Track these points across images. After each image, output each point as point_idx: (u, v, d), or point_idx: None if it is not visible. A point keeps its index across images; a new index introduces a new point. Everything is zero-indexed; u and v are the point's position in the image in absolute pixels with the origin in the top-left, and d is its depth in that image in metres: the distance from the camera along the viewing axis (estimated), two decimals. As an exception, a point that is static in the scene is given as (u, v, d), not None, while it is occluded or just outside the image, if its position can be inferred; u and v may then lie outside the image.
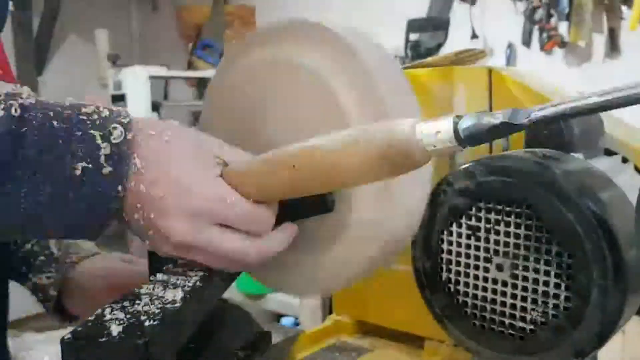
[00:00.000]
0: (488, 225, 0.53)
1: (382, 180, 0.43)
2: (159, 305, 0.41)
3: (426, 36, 2.59)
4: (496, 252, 0.53)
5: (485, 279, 0.54)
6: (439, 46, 2.56)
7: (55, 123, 0.40)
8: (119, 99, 2.91)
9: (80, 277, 0.68)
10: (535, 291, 0.51)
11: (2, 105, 0.39)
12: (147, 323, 0.39)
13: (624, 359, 0.79)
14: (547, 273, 0.50)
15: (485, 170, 0.52)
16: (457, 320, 0.56)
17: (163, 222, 0.43)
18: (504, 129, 0.38)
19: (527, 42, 2.44)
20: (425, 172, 0.50)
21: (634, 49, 2.22)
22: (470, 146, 0.39)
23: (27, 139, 0.39)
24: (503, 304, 0.53)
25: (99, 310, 0.41)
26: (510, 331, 0.52)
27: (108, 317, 0.40)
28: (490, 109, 0.67)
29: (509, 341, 0.52)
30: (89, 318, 0.40)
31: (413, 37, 2.60)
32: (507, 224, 0.52)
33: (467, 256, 0.54)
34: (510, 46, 2.50)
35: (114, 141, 0.41)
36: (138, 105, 2.88)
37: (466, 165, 0.54)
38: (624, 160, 0.65)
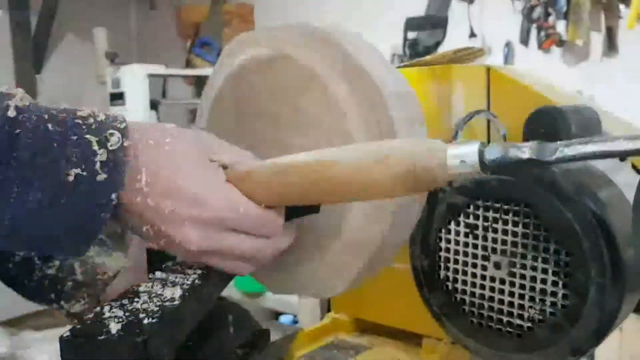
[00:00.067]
0: (486, 223, 0.53)
1: (396, 197, 0.44)
2: (158, 303, 0.41)
3: (424, 34, 2.59)
4: (494, 250, 0.53)
5: (483, 277, 0.54)
6: (437, 44, 2.57)
7: (50, 126, 0.39)
8: (117, 97, 2.90)
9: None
10: (533, 289, 0.51)
11: None
12: (145, 321, 0.39)
13: (621, 357, 0.80)
14: (545, 271, 0.50)
15: (483, 169, 0.52)
16: (454, 318, 0.56)
17: (176, 233, 0.43)
18: (530, 164, 0.38)
19: (525, 41, 2.44)
20: None
21: (632, 47, 2.22)
22: (493, 174, 0.39)
23: (21, 140, 0.38)
24: (501, 301, 0.53)
25: (98, 309, 0.41)
26: (508, 329, 0.53)
27: (107, 315, 0.40)
28: (489, 108, 0.67)
29: (507, 339, 0.53)
30: (88, 316, 0.40)
31: (411, 35, 2.60)
32: (505, 222, 0.52)
33: (465, 254, 0.55)
34: (508, 45, 2.50)
35: (110, 147, 0.40)
36: (136, 103, 2.88)
37: (464, 163, 0.54)
38: (622, 158, 0.65)
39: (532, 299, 0.51)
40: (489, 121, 0.67)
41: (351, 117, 0.49)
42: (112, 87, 2.94)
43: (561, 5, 2.31)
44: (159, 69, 3.06)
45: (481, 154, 0.38)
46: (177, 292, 0.43)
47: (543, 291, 0.50)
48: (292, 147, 0.53)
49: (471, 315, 0.55)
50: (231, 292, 2.23)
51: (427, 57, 0.68)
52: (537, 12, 2.39)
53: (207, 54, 3.38)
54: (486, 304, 0.54)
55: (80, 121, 0.40)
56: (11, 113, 0.38)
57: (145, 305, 0.41)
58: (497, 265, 0.53)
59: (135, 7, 3.99)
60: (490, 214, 0.53)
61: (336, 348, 0.67)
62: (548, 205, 0.49)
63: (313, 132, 0.51)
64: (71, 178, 0.39)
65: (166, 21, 3.68)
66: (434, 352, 0.67)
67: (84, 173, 0.39)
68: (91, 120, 0.41)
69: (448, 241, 0.56)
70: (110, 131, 0.40)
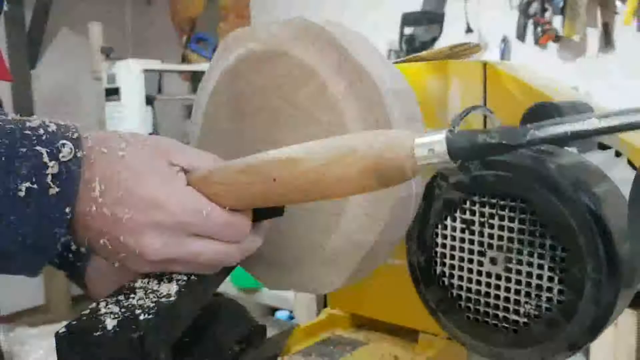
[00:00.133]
0: (482, 219, 0.53)
1: (366, 192, 0.42)
2: (154, 299, 0.41)
3: (421, 30, 2.59)
4: (490, 246, 0.53)
5: (479, 273, 0.54)
6: (434, 40, 2.57)
7: None
8: (112, 92, 2.89)
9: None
10: (528, 284, 0.51)
11: None
12: (141, 317, 0.39)
13: (616, 352, 0.80)
14: (540, 267, 0.50)
15: (479, 164, 0.52)
16: (451, 314, 0.56)
17: (136, 242, 0.40)
18: (500, 149, 0.36)
19: (521, 37, 2.44)
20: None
21: (628, 43, 2.23)
22: (464, 162, 0.38)
23: None
24: (497, 297, 0.53)
25: (94, 304, 0.41)
26: (504, 324, 0.53)
27: (103, 311, 0.40)
28: (485, 103, 0.67)
29: (503, 334, 0.53)
30: (84, 312, 0.40)
31: (408, 30, 2.60)
32: (502, 218, 0.52)
33: (462, 250, 0.55)
34: (504, 40, 2.50)
35: (62, 159, 0.38)
36: (132, 98, 2.86)
37: (461, 159, 0.54)
38: (617, 154, 0.66)
39: (528, 294, 0.51)
40: (485, 117, 0.67)
41: (349, 115, 0.49)
42: (107, 83, 2.93)
43: (558, 0, 2.31)
44: (155, 65, 3.04)
45: (449, 141, 0.37)
46: (173, 288, 0.43)
47: (539, 287, 0.50)
48: (288, 144, 0.53)
49: (467, 310, 0.55)
50: (227, 288, 2.23)
51: (424, 53, 0.68)
52: (534, 7, 2.39)
53: (202, 50, 3.37)
54: (482, 300, 0.54)
55: (29, 132, 0.38)
56: None
57: (141, 301, 0.41)
58: (493, 261, 0.53)
59: (131, 2, 3.98)
60: (487, 210, 0.53)
61: (332, 344, 0.68)
62: (544, 201, 0.49)
63: (310, 129, 0.51)
64: (22, 193, 0.37)
65: (162, 16, 3.67)
66: (430, 347, 0.67)
67: (35, 186, 0.37)
68: (41, 131, 0.39)
69: (444, 237, 0.56)
70: (62, 142, 0.38)
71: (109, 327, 0.38)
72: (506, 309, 0.53)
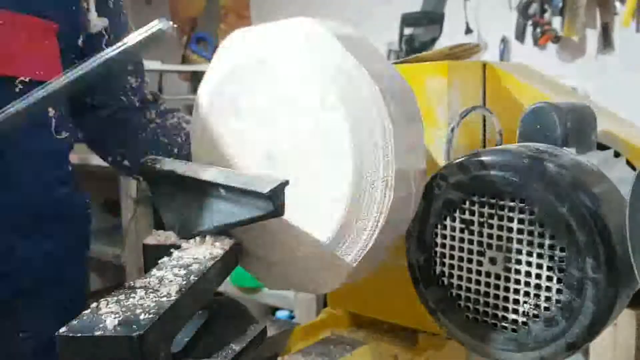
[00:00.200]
0: (482, 219, 0.53)
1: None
2: (154, 299, 0.41)
3: (421, 30, 2.59)
4: (489, 246, 0.53)
5: (479, 272, 0.54)
6: (434, 40, 2.56)
7: None
8: (112, 92, 2.89)
9: None
10: (528, 284, 0.51)
11: None
12: (142, 316, 0.39)
13: (615, 352, 0.80)
14: (540, 266, 0.50)
15: (479, 164, 0.52)
16: (450, 313, 0.56)
17: None
18: None
19: (520, 37, 2.44)
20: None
21: (627, 44, 2.23)
22: None
23: None
24: (496, 297, 0.53)
25: (94, 304, 0.41)
26: (503, 324, 0.53)
27: (103, 310, 0.40)
28: (484, 104, 0.67)
29: (502, 334, 0.53)
30: (84, 312, 0.40)
31: (407, 31, 2.59)
32: (501, 218, 0.52)
33: (461, 249, 0.55)
34: (504, 41, 2.50)
35: None
36: (132, 99, 2.86)
37: (460, 159, 0.54)
38: (617, 154, 0.66)
39: (527, 294, 0.51)
40: (485, 117, 0.67)
41: (346, 115, 0.49)
42: (107, 83, 2.92)
43: (557, 1, 2.31)
44: (155, 65, 3.04)
45: None
46: (173, 288, 0.43)
47: (538, 286, 0.50)
48: (283, 144, 0.53)
49: (467, 310, 0.55)
50: (227, 287, 2.23)
51: (424, 53, 0.68)
52: (533, 8, 2.39)
53: (203, 50, 3.37)
54: (481, 299, 0.54)
55: None
56: None
57: (141, 301, 0.41)
58: (493, 261, 0.53)
59: (131, 2, 3.97)
60: (486, 210, 0.53)
61: (332, 343, 0.68)
62: (543, 201, 0.49)
63: (306, 128, 0.52)
64: None
65: (162, 16, 3.67)
66: (430, 347, 0.67)
67: None
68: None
69: (444, 237, 0.56)
70: None
71: (110, 326, 0.38)
72: (505, 309, 0.53)
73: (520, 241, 0.51)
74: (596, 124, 0.64)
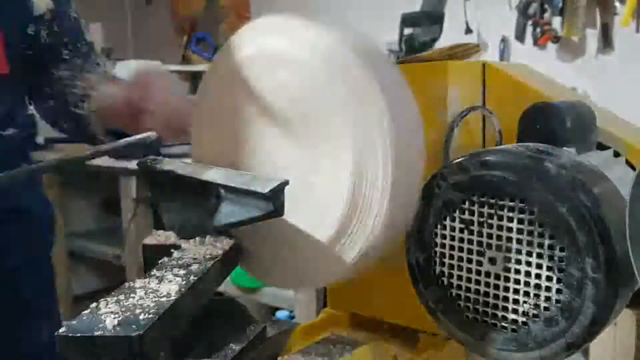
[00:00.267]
0: (481, 219, 0.53)
1: None
2: (154, 299, 0.41)
3: (420, 30, 2.59)
4: (489, 246, 0.53)
5: (479, 272, 0.54)
6: (434, 40, 2.56)
7: None
8: (112, 93, 2.89)
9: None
10: (527, 284, 0.51)
11: None
12: (142, 316, 0.39)
13: (615, 351, 0.80)
14: (539, 266, 0.50)
15: (478, 164, 0.52)
16: (450, 313, 0.56)
17: None
18: None
19: (520, 37, 2.44)
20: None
21: (627, 44, 2.23)
22: None
23: None
24: (496, 296, 0.53)
25: (94, 304, 0.41)
26: (503, 324, 0.53)
27: (103, 310, 0.40)
28: (484, 104, 0.67)
29: (502, 333, 0.53)
30: (84, 312, 0.40)
31: (407, 31, 2.59)
32: (500, 218, 0.52)
33: (461, 249, 0.55)
34: (503, 41, 2.51)
35: None
36: (132, 99, 2.86)
37: (460, 159, 0.54)
38: (616, 154, 0.66)
39: (526, 294, 0.51)
40: (484, 117, 0.67)
41: (344, 116, 0.49)
42: (107, 83, 2.92)
43: (557, 1, 2.32)
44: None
45: None
46: (173, 288, 0.43)
47: (538, 286, 0.50)
48: (283, 144, 0.53)
49: (466, 310, 0.55)
50: (227, 287, 2.23)
51: (423, 53, 0.68)
52: (533, 8, 2.39)
53: (203, 50, 3.37)
54: (481, 299, 0.54)
55: None
56: None
57: (141, 301, 0.41)
58: (492, 261, 0.53)
59: (131, 3, 3.98)
60: (486, 210, 0.53)
61: (332, 343, 0.68)
62: (543, 201, 0.49)
63: (306, 130, 0.52)
64: None
65: (162, 16, 3.67)
66: (430, 347, 0.67)
67: None
68: None
69: (443, 237, 0.56)
70: None
71: (109, 326, 0.38)
72: (505, 309, 0.53)
73: (520, 241, 0.51)
74: (596, 124, 0.64)
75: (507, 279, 0.52)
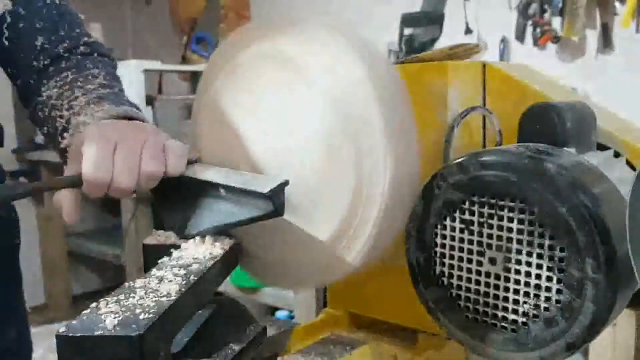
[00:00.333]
0: (481, 219, 0.53)
1: None
2: (154, 299, 0.41)
3: (420, 31, 2.59)
4: (489, 246, 0.53)
5: (479, 273, 0.54)
6: (433, 41, 2.56)
7: None
8: (112, 93, 2.89)
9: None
10: (527, 284, 0.51)
11: None
12: (142, 316, 0.39)
13: (615, 352, 0.80)
14: (539, 266, 0.50)
15: (478, 165, 0.52)
16: (450, 313, 0.56)
17: None
18: None
19: (520, 37, 2.44)
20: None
21: (627, 44, 2.23)
22: None
23: None
24: (496, 297, 0.53)
25: (94, 304, 0.41)
26: (503, 324, 0.53)
27: (103, 310, 0.40)
28: (484, 104, 0.67)
29: (501, 334, 0.53)
30: (84, 311, 0.40)
31: (407, 31, 2.59)
32: (501, 218, 0.52)
33: (461, 250, 0.55)
34: (503, 41, 2.51)
35: None
36: (132, 99, 2.86)
37: (460, 159, 0.54)
38: (617, 154, 0.66)
39: (526, 294, 0.51)
40: (484, 117, 0.67)
41: (333, 118, 0.50)
42: (107, 83, 2.92)
43: (557, 1, 2.32)
44: (155, 65, 3.04)
45: None
46: (173, 288, 0.43)
47: (538, 286, 0.50)
48: (284, 144, 0.53)
49: (466, 310, 0.55)
50: (227, 287, 2.23)
51: (424, 53, 0.68)
52: (533, 8, 2.39)
53: (203, 50, 3.37)
54: (481, 299, 0.54)
55: None
56: None
57: (141, 301, 0.41)
58: (493, 261, 0.53)
59: (131, 2, 3.97)
60: (486, 210, 0.53)
61: (332, 343, 0.68)
62: (543, 201, 0.49)
63: (309, 130, 0.52)
64: None
65: (162, 16, 3.67)
66: (430, 347, 0.67)
67: None
68: None
69: (444, 237, 0.56)
70: None
71: (109, 326, 0.38)
72: (505, 309, 0.53)
73: (520, 241, 0.51)
74: (596, 124, 0.64)
75: (507, 279, 0.52)
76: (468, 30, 2.57)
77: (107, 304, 0.41)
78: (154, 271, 0.46)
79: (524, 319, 0.52)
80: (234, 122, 0.57)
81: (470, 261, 0.54)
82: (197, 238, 0.53)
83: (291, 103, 0.53)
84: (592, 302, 0.48)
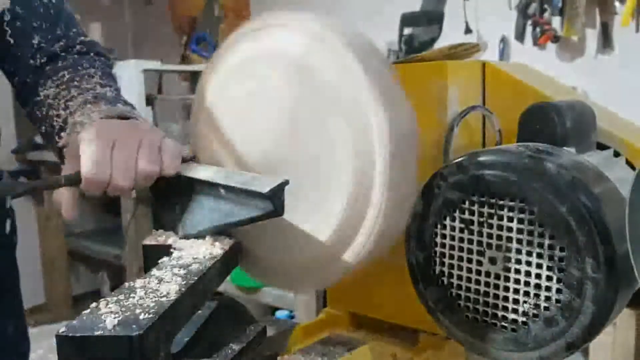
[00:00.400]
0: (481, 219, 0.53)
1: None
2: (154, 299, 0.41)
3: (420, 30, 2.59)
4: (489, 245, 0.53)
5: (478, 272, 0.54)
6: (433, 40, 2.56)
7: None
8: (112, 92, 2.89)
9: None
10: (527, 284, 0.51)
11: None
12: (142, 316, 0.39)
13: (615, 351, 0.80)
14: (539, 266, 0.50)
15: (479, 164, 0.52)
16: (449, 313, 0.56)
17: None
18: None
19: (520, 37, 2.44)
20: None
21: (627, 43, 2.23)
22: None
23: None
24: (495, 296, 0.53)
25: (94, 304, 0.41)
26: (503, 324, 0.53)
27: (103, 310, 0.40)
28: (484, 103, 0.67)
29: (501, 333, 0.53)
30: (84, 312, 0.40)
31: (407, 31, 2.59)
32: (500, 218, 0.52)
33: (461, 249, 0.55)
34: (503, 40, 2.50)
35: None
36: (132, 98, 2.85)
37: (460, 159, 0.54)
38: (616, 154, 0.66)
39: (526, 293, 0.51)
40: (484, 117, 0.67)
41: (336, 120, 0.50)
42: (107, 83, 2.92)
43: (557, 1, 2.31)
44: (155, 65, 3.04)
45: None
46: (173, 288, 0.43)
47: (537, 286, 0.50)
48: (284, 145, 0.53)
49: (466, 309, 0.55)
50: (227, 287, 2.23)
51: (423, 53, 0.68)
52: (533, 8, 2.39)
53: (202, 50, 3.37)
54: (481, 299, 0.54)
55: None
56: None
57: (141, 301, 0.41)
58: (492, 261, 0.53)
59: (131, 2, 3.97)
60: (486, 210, 0.53)
61: (332, 343, 0.68)
62: (542, 200, 0.49)
63: (310, 132, 0.52)
64: None
65: (162, 16, 3.67)
66: (430, 347, 0.67)
67: None
68: None
69: (444, 236, 0.56)
70: None
71: (109, 326, 0.38)
72: (505, 309, 0.53)
73: (519, 241, 0.51)
74: (596, 124, 0.64)
75: (507, 279, 0.52)
76: (468, 30, 2.57)
77: (107, 304, 0.41)
78: (153, 271, 0.46)
79: (524, 319, 0.52)
80: (233, 122, 0.57)
81: (470, 261, 0.54)
82: (197, 238, 0.53)
83: (290, 102, 0.52)
84: (592, 301, 0.48)
